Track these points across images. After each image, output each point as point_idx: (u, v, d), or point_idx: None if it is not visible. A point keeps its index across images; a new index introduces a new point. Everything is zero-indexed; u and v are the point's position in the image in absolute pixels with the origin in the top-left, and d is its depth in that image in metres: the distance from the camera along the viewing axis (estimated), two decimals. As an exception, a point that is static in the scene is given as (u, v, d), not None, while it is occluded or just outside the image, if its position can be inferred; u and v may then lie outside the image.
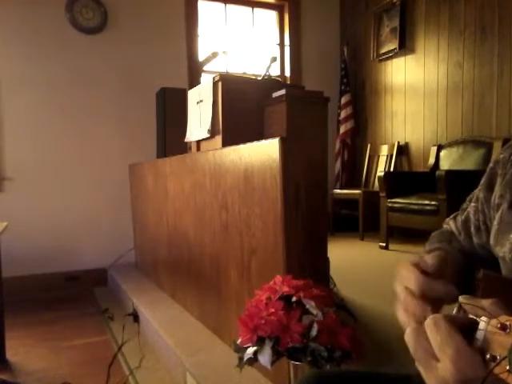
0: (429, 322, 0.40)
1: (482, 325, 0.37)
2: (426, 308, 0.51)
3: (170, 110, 2.76)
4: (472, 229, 0.68)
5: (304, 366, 1.02)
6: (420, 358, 0.40)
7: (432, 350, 0.38)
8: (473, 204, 0.69)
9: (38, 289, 3.17)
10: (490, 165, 0.66)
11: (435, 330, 0.39)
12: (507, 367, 0.33)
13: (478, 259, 0.67)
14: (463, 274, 0.62)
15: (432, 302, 0.52)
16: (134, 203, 3.31)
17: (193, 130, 2.14)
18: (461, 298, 0.41)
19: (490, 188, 0.64)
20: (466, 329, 0.39)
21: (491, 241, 0.61)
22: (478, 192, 0.67)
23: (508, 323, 0.35)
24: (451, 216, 0.75)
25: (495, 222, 0.60)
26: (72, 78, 3.35)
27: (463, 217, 0.71)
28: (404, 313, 0.53)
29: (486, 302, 0.39)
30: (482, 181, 0.67)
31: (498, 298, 0.40)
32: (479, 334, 0.37)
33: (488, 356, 0.35)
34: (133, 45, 3.52)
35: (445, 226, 0.76)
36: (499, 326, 0.35)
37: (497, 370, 0.34)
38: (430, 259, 0.58)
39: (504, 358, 0.34)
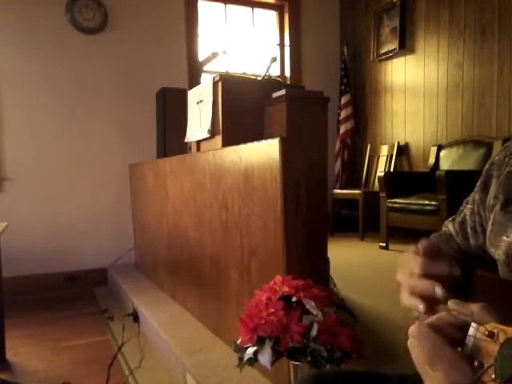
0: (415, 332, 0.41)
1: (471, 331, 0.38)
2: (433, 283, 0.51)
3: (170, 110, 2.76)
4: (468, 230, 0.68)
5: (304, 366, 1.02)
6: (417, 364, 0.40)
7: (425, 358, 0.39)
8: (469, 206, 0.69)
9: (38, 289, 3.17)
10: (486, 166, 0.66)
11: (423, 342, 0.39)
12: (493, 376, 0.33)
13: (475, 260, 0.67)
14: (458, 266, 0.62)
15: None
16: (134, 203, 3.31)
17: (193, 130, 2.14)
18: (450, 303, 0.42)
19: (485, 190, 0.64)
20: (452, 331, 0.40)
21: (486, 242, 0.61)
22: (474, 194, 0.68)
23: (495, 331, 0.35)
24: (450, 218, 0.76)
25: (489, 223, 0.61)
26: (72, 78, 3.35)
27: (460, 218, 0.71)
28: (411, 296, 0.53)
29: (475, 308, 0.39)
30: (478, 183, 0.67)
31: (493, 298, 0.40)
32: (468, 340, 0.38)
33: (476, 363, 0.36)
34: (133, 45, 3.52)
35: (444, 228, 0.76)
36: (487, 333, 0.36)
37: (484, 378, 0.34)
38: (424, 243, 0.59)
39: (490, 367, 0.34)
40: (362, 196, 3.77)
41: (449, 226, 0.74)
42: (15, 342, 2.21)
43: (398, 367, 1.33)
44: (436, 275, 0.53)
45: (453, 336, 0.39)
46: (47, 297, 3.08)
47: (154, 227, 2.72)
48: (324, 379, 0.72)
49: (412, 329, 0.41)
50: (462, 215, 0.71)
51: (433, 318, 0.41)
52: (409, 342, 0.42)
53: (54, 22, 3.28)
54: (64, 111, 3.34)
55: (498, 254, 0.57)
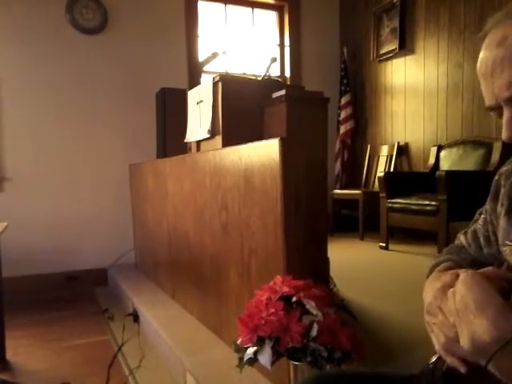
0: (466, 279, 0.42)
1: None
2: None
3: (170, 109, 2.76)
4: (481, 240, 0.70)
5: (304, 366, 1.02)
6: (458, 312, 0.41)
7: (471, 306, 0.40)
8: (482, 216, 0.71)
9: (38, 289, 3.17)
10: (495, 177, 0.68)
11: (475, 288, 0.40)
12: None
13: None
14: None
15: None
16: (134, 203, 3.31)
17: (193, 131, 2.14)
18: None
19: (495, 199, 0.67)
20: (502, 283, 0.42)
21: (499, 247, 0.63)
22: (487, 204, 0.70)
23: None
24: (462, 231, 0.77)
25: (499, 230, 0.62)
26: (72, 79, 3.35)
27: (473, 228, 0.73)
28: (449, 356, 0.48)
29: None
30: (490, 193, 0.69)
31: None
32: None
33: None
34: (133, 45, 3.52)
35: (456, 241, 0.78)
36: None
37: None
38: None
39: None
40: (362, 196, 3.77)
41: (461, 238, 0.76)
42: (15, 341, 2.20)
43: (397, 367, 1.33)
44: None
45: (502, 288, 0.40)
46: (47, 297, 3.08)
47: (154, 227, 2.72)
48: (326, 380, 0.72)
49: (463, 277, 0.42)
50: (474, 225, 0.73)
51: (485, 270, 0.43)
52: (453, 290, 0.43)
53: (54, 23, 3.28)
54: (64, 111, 3.34)
55: (505, 257, 0.58)
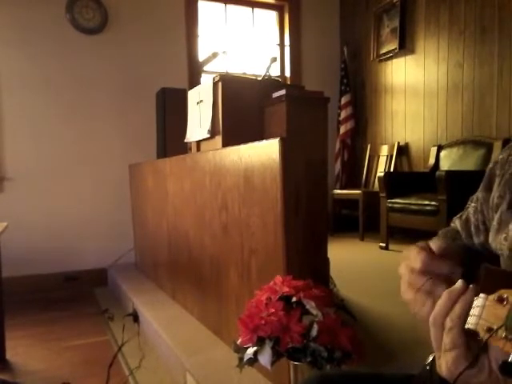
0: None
1: (479, 301, 0.39)
2: (422, 279, 0.50)
3: (170, 110, 2.76)
4: (472, 228, 0.68)
5: (304, 367, 1.02)
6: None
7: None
8: (473, 204, 0.69)
9: (38, 289, 3.17)
10: (490, 165, 0.66)
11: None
12: (503, 334, 0.35)
13: (480, 257, 0.67)
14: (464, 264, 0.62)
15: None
16: (134, 203, 3.31)
17: (193, 131, 2.14)
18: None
19: (488, 189, 0.65)
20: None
21: (490, 239, 0.61)
22: (478, 192, 0.68)
23: (505, 296, 0.37)
24: (458, 215, 0.76)
25: (494, 222, 0.61)
26: (72, 78, 3.35)
27: (464, 217, 0.71)
28: (408, 290, 0.51)
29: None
30: (482, 181, 0.67)
31: (497, 290, 0.40)
32: (475, 311, 0.39)
33: (485, 328, 0.37)
34: (133, 45, 3.52)
35: (452, 224, 0.77)
36: (496, 298, 0.37)
37: (493, 342, 0.36)
38: (437, 242, 0.57)
39: (500, 327, 0.35)
40: (362, 196, 3.77)
41: (456, 222, 0.75)
42: (15, 341, 2.20)
43: (398, 367, 1.33)
44: (435, 273, 0.52)
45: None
46: (47, 297, 3.08)
47: (154, 227, 2.72)
48: (326, 380, 0.72)
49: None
50: (466, 213, 0.71)
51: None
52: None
53: (54, 23, 3.28)
54: (64, 111, 3.34)
55: (500, 248, 0.57)
